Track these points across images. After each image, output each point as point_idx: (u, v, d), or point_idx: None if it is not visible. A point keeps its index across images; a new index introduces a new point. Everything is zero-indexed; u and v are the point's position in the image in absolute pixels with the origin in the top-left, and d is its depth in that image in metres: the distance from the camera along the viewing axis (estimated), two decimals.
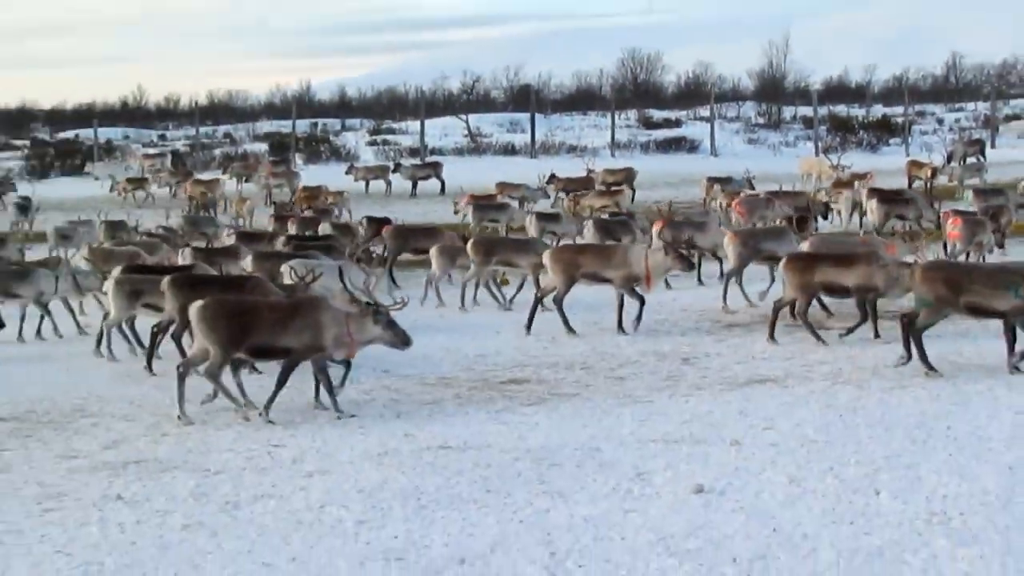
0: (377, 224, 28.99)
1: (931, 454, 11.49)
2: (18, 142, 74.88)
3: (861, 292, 17.77)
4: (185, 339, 16.02)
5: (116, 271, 18.97)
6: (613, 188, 42.01)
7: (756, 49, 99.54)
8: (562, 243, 26.08)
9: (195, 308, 14.15)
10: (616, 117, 69.26)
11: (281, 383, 14.03)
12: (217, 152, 66.39)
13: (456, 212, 35.83)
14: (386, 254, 26.27)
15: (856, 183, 37.77)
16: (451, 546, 9.26)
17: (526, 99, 78.50)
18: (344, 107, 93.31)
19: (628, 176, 46.13)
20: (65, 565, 9.01)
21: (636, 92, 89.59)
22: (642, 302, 18.88)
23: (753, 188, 38.58)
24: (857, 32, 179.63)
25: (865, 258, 18.09)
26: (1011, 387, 14.48)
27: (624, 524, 9.68)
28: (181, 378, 14.14)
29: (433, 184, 48.56)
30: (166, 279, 17.03)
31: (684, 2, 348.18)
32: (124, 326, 18.37)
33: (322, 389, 14.37)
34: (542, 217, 30.54)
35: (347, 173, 50.96)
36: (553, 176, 43.14)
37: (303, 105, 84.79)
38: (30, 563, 9.07)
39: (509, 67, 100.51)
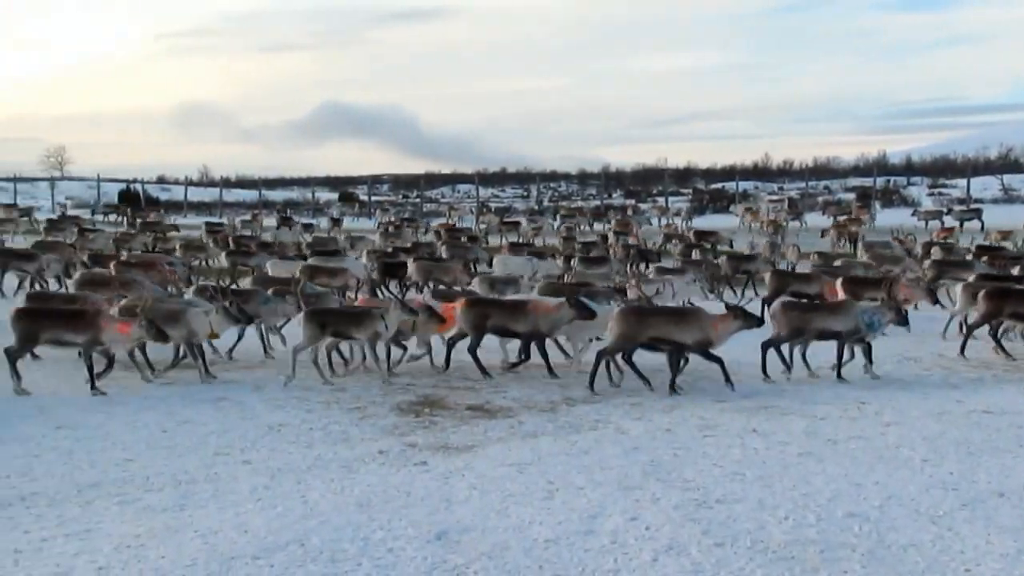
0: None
1: None
2: (684, 190, 76.75)
3: None
4: None
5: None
6: None
7: None
8: None
9: None
10: None
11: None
12: (820, 199, 65.10)
13: None
14: None
15: None
16: (992, 483, 8.67)
17: None
18: (909, 168, 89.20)
19: None
20: (719, 472, 9.07)
21: None
22: None
23: None
24: None
25: None
26: None
27: None
28: None
29: (974, 224, 45.35)
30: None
31: None
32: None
33: None
34: None
35: (912, 215, 48.45)
36: None
37: (880, 167, 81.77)
38: (695, 470, 9.21)
39: None
